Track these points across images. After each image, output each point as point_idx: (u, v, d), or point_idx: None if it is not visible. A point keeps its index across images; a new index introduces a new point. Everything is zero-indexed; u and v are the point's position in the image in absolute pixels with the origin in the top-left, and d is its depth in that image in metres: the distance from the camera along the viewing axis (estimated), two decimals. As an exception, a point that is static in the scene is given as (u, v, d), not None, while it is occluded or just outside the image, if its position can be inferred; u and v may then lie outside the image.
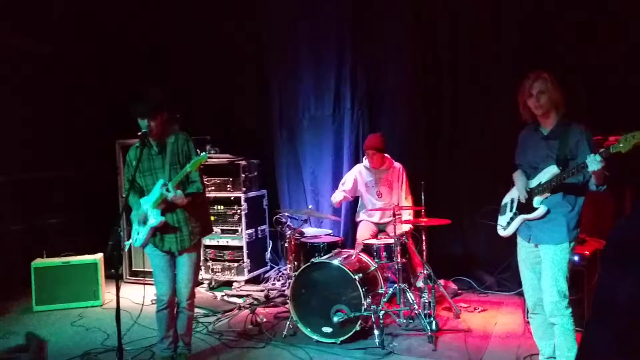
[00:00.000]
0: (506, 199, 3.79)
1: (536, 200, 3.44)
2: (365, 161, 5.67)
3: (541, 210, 3.41)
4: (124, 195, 4.20)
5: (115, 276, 3.57)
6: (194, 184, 3.98)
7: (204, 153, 3.79)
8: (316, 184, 6.67)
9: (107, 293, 6.10)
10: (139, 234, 4.00)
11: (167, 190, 3.76)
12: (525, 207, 3.52)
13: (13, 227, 6.51)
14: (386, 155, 5.58)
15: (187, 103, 6.72)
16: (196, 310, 5.38)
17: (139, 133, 3.88)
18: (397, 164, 5.65)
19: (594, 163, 2.98)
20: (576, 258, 4.35)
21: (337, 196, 5.67)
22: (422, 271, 5.10)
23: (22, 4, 6.37)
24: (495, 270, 5.79)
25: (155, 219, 3.90)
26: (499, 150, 4.94)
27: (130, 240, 4.12)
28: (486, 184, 5.50)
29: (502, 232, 3.76)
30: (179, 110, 6.32)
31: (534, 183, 3.48)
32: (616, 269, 1.19)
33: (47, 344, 1.92)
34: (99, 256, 5.94)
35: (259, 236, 6.64)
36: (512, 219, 3.64)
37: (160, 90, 4.06)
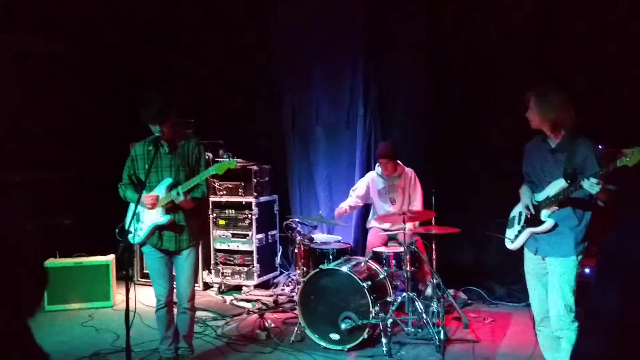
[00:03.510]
0: (514, 212, 3.78)
1: (544, 214, 3.43)
2: (378, 168, 5.68)
3: (549, 223, 3.40)
4: (120, 184, 4.20)
5: (125, 277, 3.61)
6: (200, 187, 4.01)
7: (232, 159, 3.88)
8: (330, 190, 6.68)
9: (118, 294, 6.14)
10: (138, 231, 4.03)
11: (178, 194, 3.81)
12: (532, 220, 3.52)
13: (26, 227, 6.55)
14: (398, 162, 5.59)
15: (200, 108, 6.78)
16: (205, 313, 5.45)
17: (152, 137, 3.96)
18: (408, 170, 5.65)
19: (592, 187, 2.98)
20: (587, 270, 4.31)
21: (340, 208, 5.69)
22: (431, 280, 5.08)
23: (39, 5, 6.44)
24: (506, 281, 5.75)
25: (163, 217, 3.95)
26: (511, 159, 4.92)
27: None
28: (497, 193, 5.44)
29: (510, 245, 3.76)
30: (193, 115, 6.40)
31: (541, 196, 3.47)
32: (607, 278, 1.23)
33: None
34: (110, 257, 6.00)
35: (269, 241, 6.65)
36: (519, 232, 3.64)
37: (166, 95, 4.10)
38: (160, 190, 3.97)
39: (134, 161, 4.13)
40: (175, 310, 4.19)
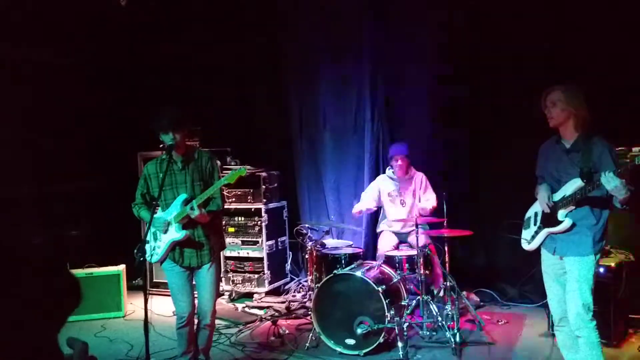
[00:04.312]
0: (530, 213, 3.76)
1: (561, 214, 3.41)
2: (389, 171, 5.68)
3: (566, 223, 3.39)
4: (133, 204, 4.20)
5: (144, 289, 3.59)
6: (214, 200, 3.99)
7: (242, 167, 3.87)
8: (338, 194, 6.67)
9: (130, 304, 6.14)
10: (156, 249, 4.01)
11: (192, 209, 3.80)
12: (549, 220, 3.50)
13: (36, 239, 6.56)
14: (410, 164, 5.60)
15: (207, 115, 6.78)
16: (218, 321, 5.41)
17: (164, 145, 3.92)
18: (419, 173, 5.66)
19: (610, 181, 2.98)
20: (601, 270, 4.31)
21: (357, 207, 5.68)
22: (444, 282, 5.07)
23: (46, 18, 6.43)
24: (518, 282, 5.74)
25: (179, 233, 3.92)
26: (521, 161, 4.91)
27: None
28: (509, 194, 5.45)
29: (526, 246, 3.74)
30: (200, 122, 6.41)
31: (558, 196, 3.46)
32: None
33: (88, 346, 1.95)
34: (121, 267, 6.00)
35: (279, 247, 6.65)
36: (536, 232, 3.62)
37: (178, 105, 4.09)
38: (176, 207, 3.94)
39: (147, 180, 4.09)
40: (195, 321, 4.16)
